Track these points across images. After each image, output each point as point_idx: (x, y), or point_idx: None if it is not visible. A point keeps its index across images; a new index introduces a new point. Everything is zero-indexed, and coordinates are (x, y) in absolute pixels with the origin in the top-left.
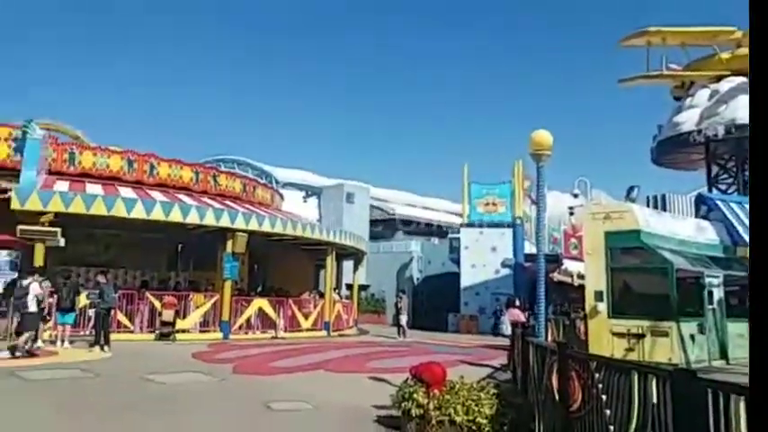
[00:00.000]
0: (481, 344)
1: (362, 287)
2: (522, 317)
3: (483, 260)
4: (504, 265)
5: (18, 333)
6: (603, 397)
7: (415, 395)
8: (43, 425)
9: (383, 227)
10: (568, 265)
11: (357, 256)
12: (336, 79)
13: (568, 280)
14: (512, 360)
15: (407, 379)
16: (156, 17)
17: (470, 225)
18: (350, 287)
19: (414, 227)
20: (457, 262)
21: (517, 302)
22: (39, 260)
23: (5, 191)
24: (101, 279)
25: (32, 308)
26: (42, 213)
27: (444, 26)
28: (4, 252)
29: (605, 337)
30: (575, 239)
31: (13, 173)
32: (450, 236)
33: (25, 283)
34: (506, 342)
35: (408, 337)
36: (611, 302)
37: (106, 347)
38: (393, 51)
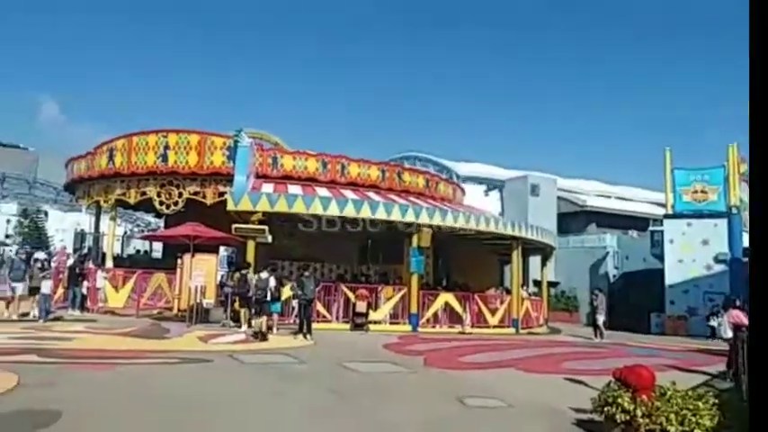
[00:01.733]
0: (691, 348)
1: (552, 284)
2: (745, 319)
3: (692, 255)
4: (718, 260)
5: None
6: None
7: (619, 400)
8: (264, 401)
9: (573, 220)
10: None
11: (545, 250)
12: (518, 71)
13: None
14: (733, 367)
15: (610, 382)
16: (356, 30)
17: (675, 216)
18: (538, 284)
19: (608, 219)
20: (660, 257)
21: (737, 302)
22: (251, 255)
23: (222, 194)
24: (305, 273)
25: (269, 297)
26: (252, 213)
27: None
28: (222, 248)
29: None
30: None
31: (227, 178)
32: (651, 228)
33: (264, 276)
34: (722, 346)
35: (606, 338)
36: None
37: (308, 336)
38: (588, 41)
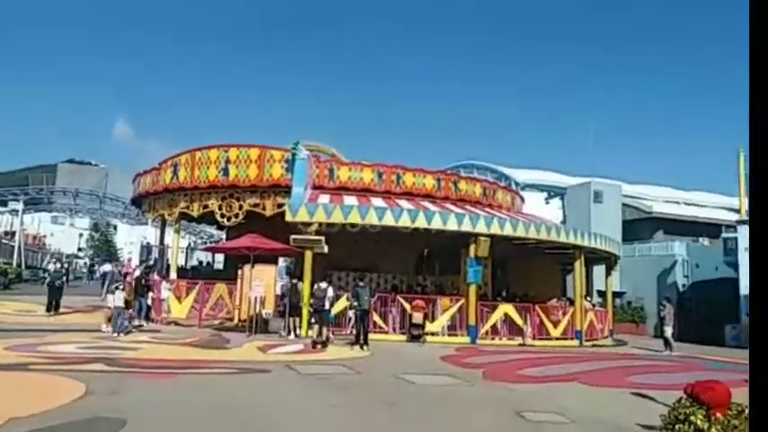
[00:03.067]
0: None
1: (617, 294)
2: None
3: None
4: None
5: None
6: None
7: (692, 417)
8: (321, 412)
9: (639, 227)
10: None
11: (609, 259)
12: (582, 76)
13: None
14: None
15: (681, 398)
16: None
17: None
18: (602, 294)
19: (676, 226)
20: (734, 265)
21: None
22: (308, 266)
23: (281, 206)
24: (360, 283)
25: (327, 306)
26: (309, 224)
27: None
28: (281, 259)
29: None
30: None
31: (286, 190)
32: (723, 235)
33: (323, 286)
34: None
35: (676, 350)
36: None
37: (365, 346)
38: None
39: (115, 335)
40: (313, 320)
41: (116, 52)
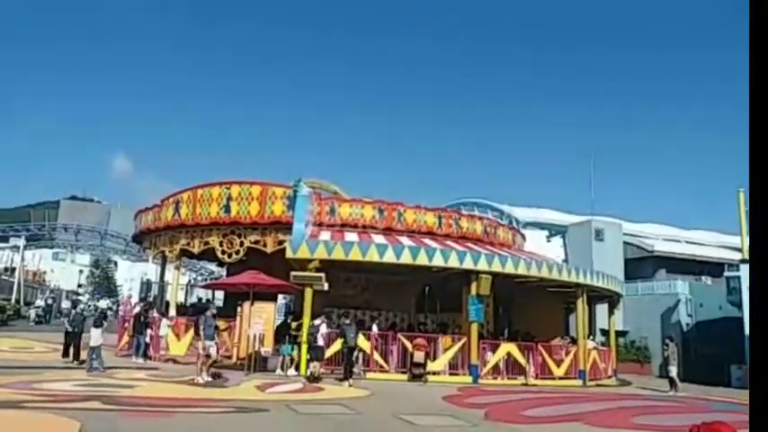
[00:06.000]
0: None
1: (620, 333)
2: None
3: None
4: None
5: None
6: None
7: None
8: None
9: (640, 266)
10: None
11: (612, 298)
12: (576, 115)
13: None
14: None
15: None
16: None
17: None
18: (605, 333)
19: (678, 264)
20: (738, 305)
21: None
22: (308, 303)
23: (282, 242)
24: (346, 321)
25: (320, 342)
26: (310, 261)
27: None
28: (281, 296)
29: None
30: None
31: (287, 226)
32: (726, 274)
33: (317, 322)
34: None
35: (680, 391)
36: None
37: (349, 380)
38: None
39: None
40: (309, 356)
41: (114, 91)
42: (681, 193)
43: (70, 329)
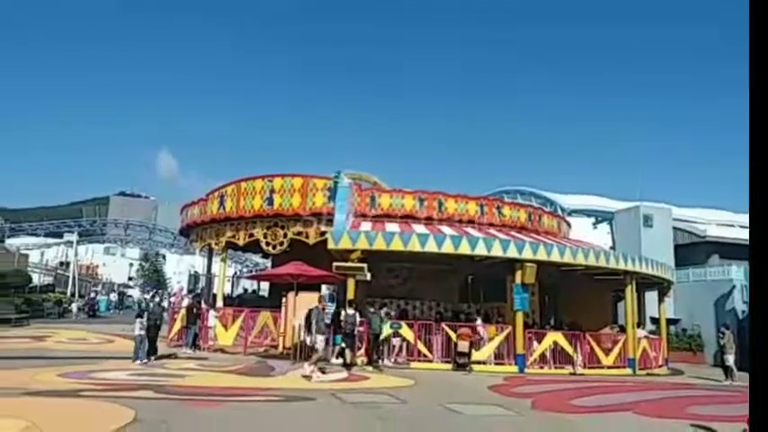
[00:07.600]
0: None
1: (671, 321)
2: None
3: None
4: None
5: (341, 353)
6: None
7: None
8: None
9: (692, 252)
10: None
11: (662, 285)
12: (630, 101)
13: None
14: None
15: (744, 430)
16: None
17: None
18: (655, 321)
19: (732, 250)
20: None
21: None
22: (351, 293)
23: (324, 233)
24: (371, 309)
25: (355, 332)
26: (352, 251)
27: None
28: (324, 286)
29: None
30: None
31: (328, 218)
32: None
33: (351, 312)
34: None
35: (737, 380)
36: None
37: (374, 365)
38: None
39: (137, 363)
40: (344, 344)
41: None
42: (733, 178)
43: (146, 325)
